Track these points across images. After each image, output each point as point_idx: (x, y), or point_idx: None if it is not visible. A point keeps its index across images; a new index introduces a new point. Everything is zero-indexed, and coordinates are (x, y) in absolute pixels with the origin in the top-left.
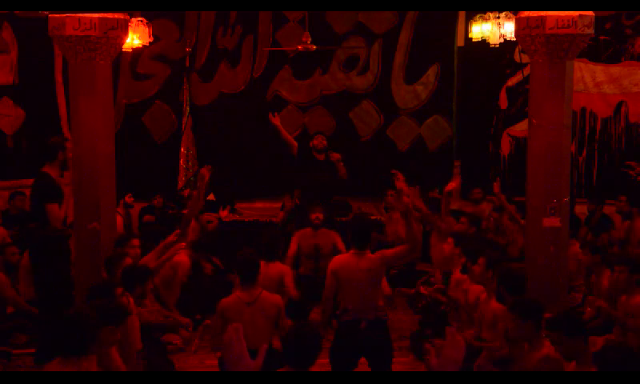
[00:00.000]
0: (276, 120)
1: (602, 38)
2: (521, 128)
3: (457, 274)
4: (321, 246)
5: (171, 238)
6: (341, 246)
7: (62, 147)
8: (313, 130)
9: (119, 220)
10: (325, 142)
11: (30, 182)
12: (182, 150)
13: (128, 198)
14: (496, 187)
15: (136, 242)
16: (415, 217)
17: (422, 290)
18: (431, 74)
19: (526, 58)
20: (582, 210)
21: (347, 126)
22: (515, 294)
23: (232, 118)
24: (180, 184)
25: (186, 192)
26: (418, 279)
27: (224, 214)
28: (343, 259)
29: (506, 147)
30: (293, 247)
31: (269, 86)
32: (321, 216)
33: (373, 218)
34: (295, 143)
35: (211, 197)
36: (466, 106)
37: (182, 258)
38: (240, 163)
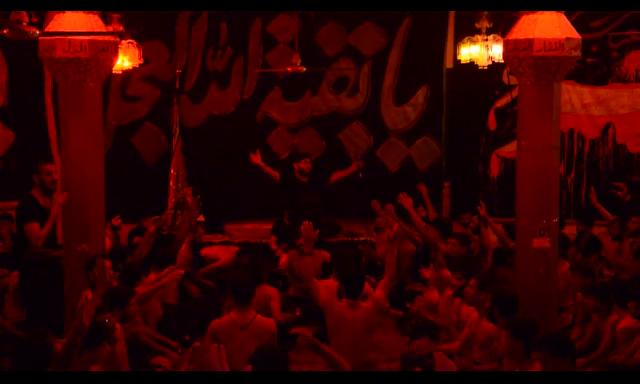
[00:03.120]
0: (257, 159)
1: (588, 60)
2: (510, 149)
3: (447, 295)
4: (307, 265)
5: (165, 272)
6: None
7: (36, 170)
8: (303, 151)
9: (108, 242)
10: (310, 165)
11: None
12: (172, 171)
13: (115, 221)
14: (481, 210)
15: (107, 263)
16: (411, 234)
17: (413, 308)
18: (420, 95)
19: (514, 80)
20: (571, 230)
21: (337, 147)
22: (508, 314)
23: (222, 140)
24: (169, 205)
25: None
26: (407, 300)
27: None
28: (336, 309)
29: (495, 168)
30: (283, 260)
31: (259, 107)
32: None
33: (362, 238)
34: (277, 174)
35: (201, 218)
36: (455, 127)
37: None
38: (230, 184)
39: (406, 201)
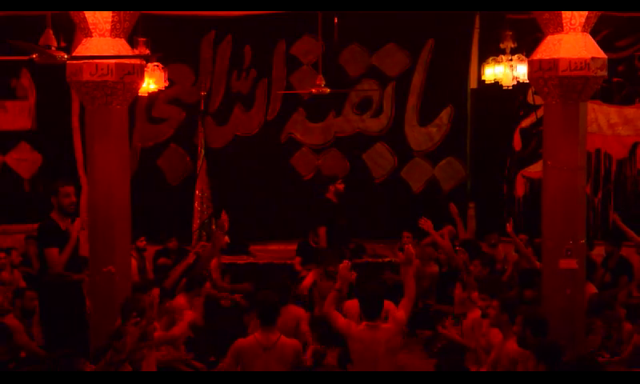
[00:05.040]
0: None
1: (615, 79)
2: (535, 169)
3: (473, 317)
4: (330, 286)
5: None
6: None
7: (54, 193)
8: (327, 172)
9: (133, 263)
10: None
11: None
12: (197, 192)
13: (140, 242)
14: (509, 227)
15: (156, 291)
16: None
17: (441, 329)
18: (444, 115)
19: (539, 100)
20: (599, 251)
21: (361, 167)
22: (539, 335)
23: (246, 161)
24: (195, 226)
25: (173, 244)
26: (433, 321)
27: None
28: (356, 333)
29: (520, 189)
30: (309, 280)
31: (283, 128)
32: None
33: (387, 259)
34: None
35: (226, 239)
36: (479, 147)
37: (182, 303)
38: (254, 205)
39: (427, 224)
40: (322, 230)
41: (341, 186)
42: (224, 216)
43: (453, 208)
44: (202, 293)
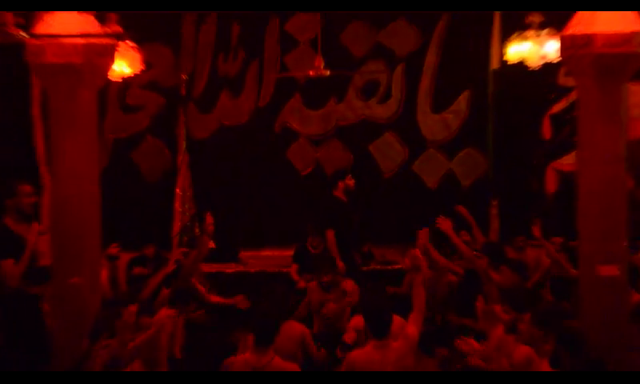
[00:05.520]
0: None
1: None
2: (568, 161)
3: (498, 333)
4: (330, 299)
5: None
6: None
7: (10, 193)
8: (327, 166)
9: (104, 274)
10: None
11: None
12: (178, 191)
13: (111, 249)
14: (536, 231)
15: (132, 308)
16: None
17: (462, 345)
18: (462, 101)
19: (572, 82)
20: None
21: (367, 161)
22: (574, 355)
23: (235, 154)
24: (175, 230)
25: (150, 250)
26: (453, 337)
27: None
28: (361, 356)
29: (551, 184)
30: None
31: (277, 116)
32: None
33: (398, 266)
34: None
35: (211, 244)
36: (503, 136)
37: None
38: (244, 205)
39: (446, 224)
40: (331, 234)
41: (351, 182)
42: (209, 218)
43: (462, 210)
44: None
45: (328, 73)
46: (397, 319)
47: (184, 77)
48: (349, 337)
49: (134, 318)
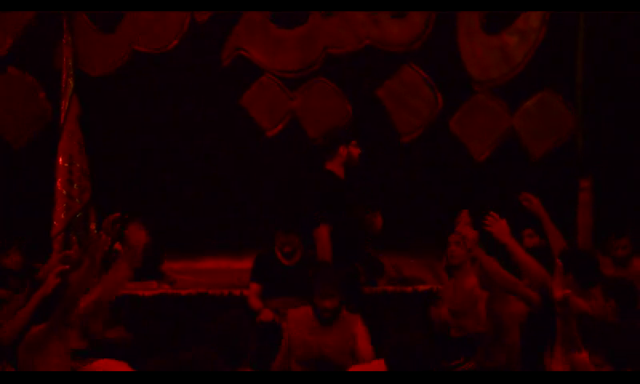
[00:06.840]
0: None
1: None
2: None
3: None
4: (329, 345)
5: None
6: (363, 347)
7: None
8: (307, 119)
9: None
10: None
11: None
12: (60, 161)
13: None
14: None
15: None
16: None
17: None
18: (534, 18)
19: None
20: None
21: (375, 114)
22: None
23: (157, 103)
24: (57, 226)
25: (14, 258)
26: None
27: None
28: None
29: None
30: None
31: (225, 40)
32: (336, 302)
33: (425, 287)
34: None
35: (118, 246)
36: (600, 80)
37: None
38: (173, 187)
39: (499, 226)
40: (324, 231)
41: (356, 151)
42: (113, 217)
43: (529, 197)
44: None
45: None
46: None
47: None
48: None
49: None
